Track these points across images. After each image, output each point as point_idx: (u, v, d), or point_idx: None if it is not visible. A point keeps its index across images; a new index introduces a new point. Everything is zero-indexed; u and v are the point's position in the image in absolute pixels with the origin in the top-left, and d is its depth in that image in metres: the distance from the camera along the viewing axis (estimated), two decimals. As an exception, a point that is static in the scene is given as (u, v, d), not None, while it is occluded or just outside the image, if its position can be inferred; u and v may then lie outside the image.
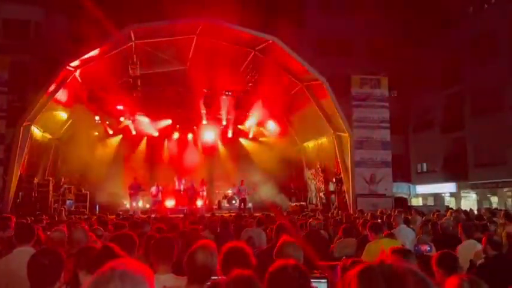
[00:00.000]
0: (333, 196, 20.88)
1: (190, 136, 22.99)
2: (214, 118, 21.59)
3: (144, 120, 20.98)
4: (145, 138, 22.40)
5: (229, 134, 23.22)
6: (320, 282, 3.51)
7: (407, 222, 9.47)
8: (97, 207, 19.33)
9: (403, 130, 31.87)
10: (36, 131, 17.57)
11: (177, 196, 21.75)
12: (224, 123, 22.19)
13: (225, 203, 21.95)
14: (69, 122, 19.68)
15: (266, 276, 2.20)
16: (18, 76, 18.29)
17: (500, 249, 5.00)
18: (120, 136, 21.64)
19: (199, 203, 21.25)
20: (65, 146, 19.79)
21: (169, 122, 21.57)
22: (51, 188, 18.02)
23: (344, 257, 6.38)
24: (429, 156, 31.62)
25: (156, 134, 22.11)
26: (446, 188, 30.19)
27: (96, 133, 20.77)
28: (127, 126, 21.02)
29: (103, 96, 17.82)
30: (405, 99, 32.18)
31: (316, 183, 22.63)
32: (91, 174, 19.62)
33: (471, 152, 27.80)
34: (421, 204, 30.45)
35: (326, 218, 11.33)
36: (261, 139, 23.40)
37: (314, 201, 22.61)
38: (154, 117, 20.97)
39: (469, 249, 5.48)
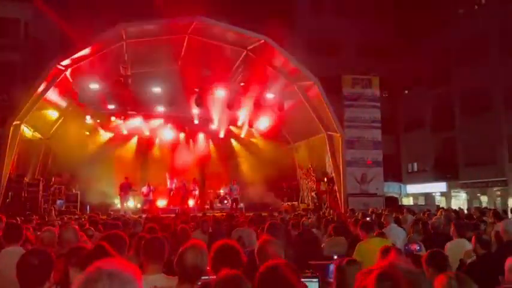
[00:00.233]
0: (324, 196, 20.94)
1: (181, 135, 22.92)
2: (206, 117, 21.53)
3: (135, 120, 20.88)
4: (137, 137, 22.29)
5: (221, 134, 23.18)
6: (311, 281, 3.52)
7: (398, 221, 9.54)
8: (88, 207, 19.18)
9: (394, 130, 32.06)
10: (26, 131, 17.43)
11: (169, 196, 21.69)
12: (216, 122, 22.14)
13: (216, 203, 21.93)
14: (60, 122, 19.53)
15: (256, 275, 2.20)
16: (8, 75, 18.14)
17: (489, 248, 5.05)
18: (111, 135, 21.51)
19: (191, 202, 21.20)
20: (55, 145, 19.62)
21: (160, 121, 21.48)
22: (41, 187, 17.87)
23: (335, 256, 6.41)
24: (420, 156, 31.86)
25: (147, 133, 22.01)
26: (437, 188, 30.44)
27: (87, 133, 20.62)
28: (118, 126, 20.89)
29: (94, 95, 17.68)
30: (396, 99, 32.38)
31: (308, 183, 22.69)
32: (81, 174, 19.49)
33: (461, 151, 28.06)
34: (411, 203, 30.67)
35: (318, 218, 11.35)
36: (252, 139, 23.39)
37: (306, 201, 22.67)
38: (146, 116, 20.88)
39: (457, 248, 5.53)
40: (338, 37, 31.07)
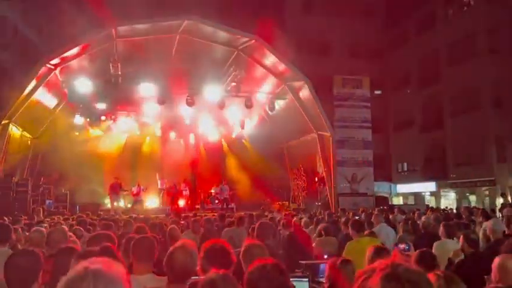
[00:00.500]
0: (315, 195, 21.01)
1: (172, 135, 22.85)
2: (197, 117, 21.49)
3: (125, 119, 20.76)
4: (127, 137, 22.18)
5: (212, 134, 23.17)
6: (302, 281, 3.53)
7: (388, 221, 9.61)
8: (77, 207, 19.04)
9: (384, 130, 32.28)
10: (15, 130, 17.25)
11: (159, 196, 21.62)
12: (207, 122, 22.12)
13: (208, 203, 21.90)
14: (49, 121, 19.36)
15: (245, 275, 2.20)
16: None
17: (477, 247, 5.11)
18: (101, 135, 21.37)
19: (181, 202, 21.14)
20: (44, 145, 19.43)
21: (151, 121, 21.38)
22: (30, 188, 17.69)
23: (326, 256, 6.43)
24: (410, 156, 32.10)
25: (137, 133, 21.90)
26: (426, 187, 30.68)
27: (77, 133, 20.42)
28: (108, 125, 20.77)
29: (84, 94, 17.55)
30: (386, 99, 32.59)
31: (298, 183, 22.75)
32: (71, 174, 19.33)
33: (450, 151, 28.30)
34: (401, 203, 30.89)
35: (309, 217, 11.39)
36: (243, 139, 23.40)
37: (297, 200, 22.73)
38: (136, 116, 20.77)
39: (444, 247, 5.59)
40: (329, 37, 31.20)
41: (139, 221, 8.44)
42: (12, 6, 24.09)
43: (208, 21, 17.42)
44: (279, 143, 23.36)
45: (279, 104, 20.33)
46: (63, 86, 17.32)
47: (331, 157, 19.89)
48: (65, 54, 16.27)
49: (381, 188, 30.70)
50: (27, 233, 6.40)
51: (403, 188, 32.81)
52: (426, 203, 27.20)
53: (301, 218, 10.18)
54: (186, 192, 21.41)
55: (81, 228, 6.79)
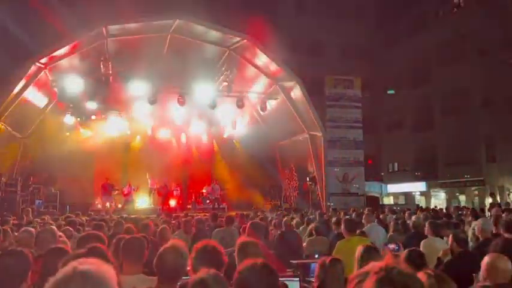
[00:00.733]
0: (306, 195, 21.07)
1: (163, 135, 22.74)
2: (188, 117, 21.43)
3: (116, 119, 20.64)
4: (118, 136, 22.03)
5: (204, 134, 23.11)
6: (293, 280, 3.54)
7: (380, 220, 9.66)
8: (67, 207, 18.89)
9: (375, 130, 32.42)
10: (4, 129, 17.06)
11: (150, 195, 21.53)
12: (198, 122, 22.06)
13: (199, 203, 21.83)
14: (39, 120, 19.19)
15: (235, 274, 2.20)
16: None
17: (465, 246, 5.16)
18: (92, 134, 21.20)
19: (172, 202, 21.07)
20: (34, 144, 19.25)
21: (142, 120, 21.27)
22: (19, 187, 17.53)
23: (317, 255, 6.46)
24: (400, 156, 32.29)
25: (128, 132, 21.77)
26: (417, 187, 30.88)
27: (68, 133, 20.22)
28: (99, 125, 20.62)
29: (74, 93, 17.42)
30: (377, 100, 32.75)
31: (290, 182, 22.79)
32: (61, 174, 19.18)
33: (440, 151, 28.52)
34: (392, 203, 31.07)
35: (300, 217, 11.42)
36: (234, 139, 23.37)
37: (288, 200, 22.77)
38: (127, 115, 20.65)
39: (431, 246, 5.64)
40: (320, 38, 31.28)
41: (130, 221, 8.40)
42: (1, 4, 23.82)
43: (199, 21, 17.39)
44: (271, 143, 23.38)
45: (271, 104, 20.35)
46: (53, 85, 17.18)
47: (322, 157, 19.96)
48: (55, 53, 16.14)
49: (372, 188, 30.86)
50: (16, 233, 6.34)
51: (393, 187, 33.00)
52: (416, 203, 27.39)
53: (292, 218, 10.19)
54: (177, 192, 21.34)
55: (70, 229, 6.74)
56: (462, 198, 27.89)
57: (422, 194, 31.01)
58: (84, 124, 20.35)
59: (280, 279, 2.64)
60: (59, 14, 16.74)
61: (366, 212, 10.64)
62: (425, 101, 29.94)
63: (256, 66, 19.48)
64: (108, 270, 1.44)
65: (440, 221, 7.15)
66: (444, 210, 14.91)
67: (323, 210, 16.41)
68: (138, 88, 17.57)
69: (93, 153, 20.63)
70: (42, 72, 16.51)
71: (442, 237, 6.20)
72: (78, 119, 19.78)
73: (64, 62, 17.00)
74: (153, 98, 17.88)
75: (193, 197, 22.15)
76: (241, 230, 7.97)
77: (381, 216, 11.32)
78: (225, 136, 23.31)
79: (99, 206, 19.71)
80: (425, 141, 29.66)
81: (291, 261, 6.00)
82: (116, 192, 19.87)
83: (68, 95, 17.37)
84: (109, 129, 20.95)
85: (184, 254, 2.93)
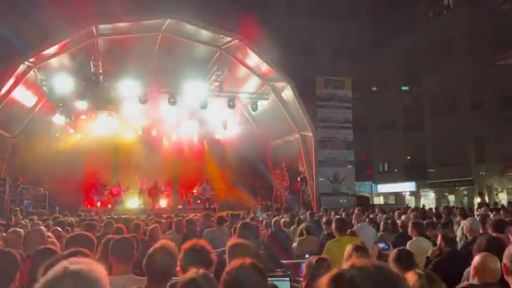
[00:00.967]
0: (297, 195, 21.12)
1: (154, 134, 22.63)
2: (179, 117, 21.36)
3: (106, 118, 20.50)
4: (108, 136, 21.87)
5: (195, 134, 23.05)
6: (283, 280, 3.54)
7: (372, 220, 9.70)
8: (57, 208, 18.73)
9: (366, 130, 32.56)
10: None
11: (140, 196, 21.41)
12: (189, 122, 22.00)
13: (190, 203, 21.77)
14: (28, 120, 19.00)
15: (223, 275, 2.19)
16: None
17: (454, 246, 5.20)
18: (81, 134, 21.03)
19: (163, 202, 20.98)
20: (22, 144, 19.07)
21: (132, 120, 21.15)
22: (7, 188, 17.36)
23: (307, 255, 6.47)
24: (390, 156, 32.46)
25: (118, 132, 21.63)
26: (407, 187, 31.07)
27: (57, 134, 20.03)
28: (88, 124, 20.47)
29: (63, 93, 17.27)
30: (368, 100, 32.88)
31: (281, 182, 22.82)
32: (50, 174, 18.98)
33: (430, 152, 28.73)
34: (382, 202, 31.20)
35: (291, 217, 11.44)
36: (226, 138, 23.33)
37: (279, 200, 22.80)
38: (117, 115, 20.52)
39: (417, 246, 5.68)
40: (312, 38, 31.34)
41: (120, 222, 8.34)
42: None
43: (191, 20, 17.34)
44: (262, 144, 23.38)
45: (262, 104, 20.36)
46: (42, 85, 17.03)
47: (313, 157, 20.02)
48: (44, 52, 15.99)
49: (362, 188, 31.01)
50: (4, 234, 6.27)
51: (383, 188, 33.17)
52: (406, 203, 27.56)
53: (282, 218, 10.20)
54: (168, 193, 21.27)
55: (59, 229, 6.68)
56: (451, 198, 28.10)
57: (412, 194, 31.19)
58: (74, 124, 20.20)
59: (270, 279, 2.64)
60: (48, 13, 16.56)
61: (356, 211, 10.69)
62: (415, 102, 30.13)
63: (247, 67, 19.48)
64: (99, 270, 1.44)
65: (425, 221, 7.17)
66: (434, 210, 15.01)
67: (314, 210, 16.44)
68: (128, 88, 17.45)
69: (82, 154, 20.48)
70: (31, 72, 16.34)
71: (427, 237, 6.23)
72: (68, 119, 19.62)
73: (53, 61, 16.86)
74: (143, 97, 17.80)
75: (184, 198, 22.09)
76: (232, 230, 7.98)
77: (371, 216, 11.37)
78: (215, 136, 23.26)
79: (89, 206, 19.56)
80: (415, 141, 29.83)
81: (281, 261, 6.01)
82: (106, 191, 19.75)
83: (58, 95, 17.23)
84: (99, 129, 20.81)
85: (174, 255, 2.92)
